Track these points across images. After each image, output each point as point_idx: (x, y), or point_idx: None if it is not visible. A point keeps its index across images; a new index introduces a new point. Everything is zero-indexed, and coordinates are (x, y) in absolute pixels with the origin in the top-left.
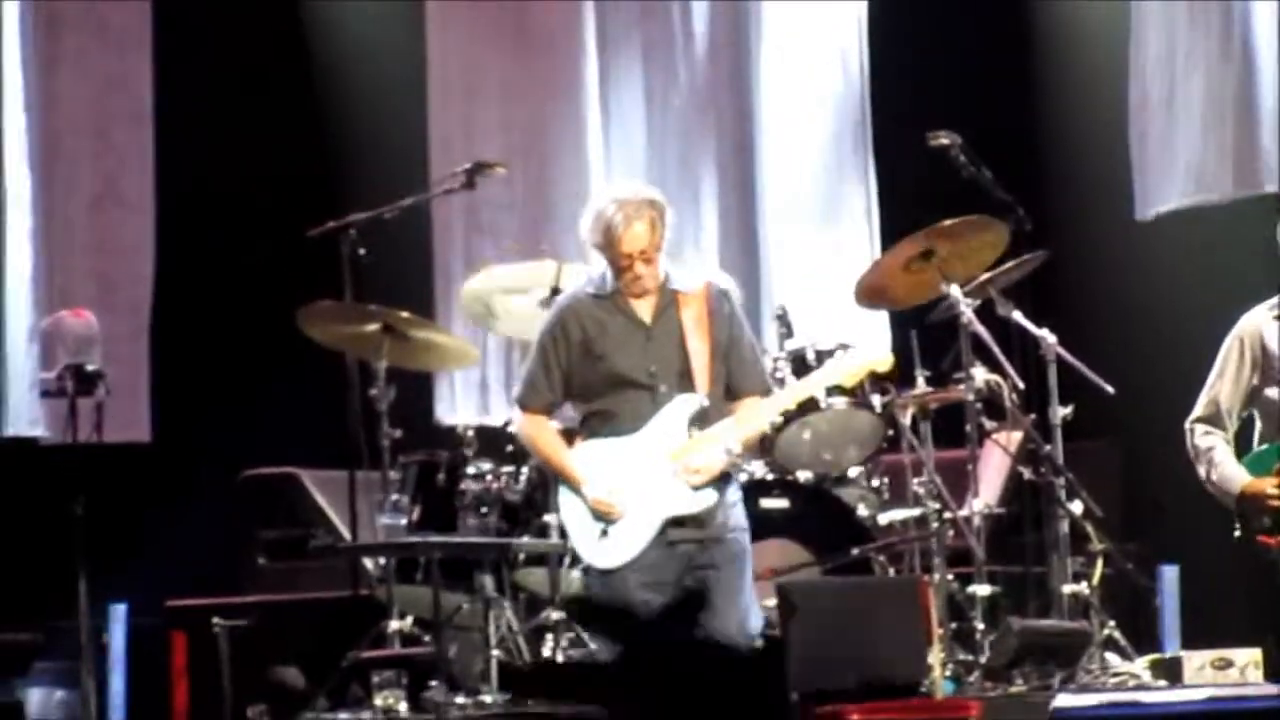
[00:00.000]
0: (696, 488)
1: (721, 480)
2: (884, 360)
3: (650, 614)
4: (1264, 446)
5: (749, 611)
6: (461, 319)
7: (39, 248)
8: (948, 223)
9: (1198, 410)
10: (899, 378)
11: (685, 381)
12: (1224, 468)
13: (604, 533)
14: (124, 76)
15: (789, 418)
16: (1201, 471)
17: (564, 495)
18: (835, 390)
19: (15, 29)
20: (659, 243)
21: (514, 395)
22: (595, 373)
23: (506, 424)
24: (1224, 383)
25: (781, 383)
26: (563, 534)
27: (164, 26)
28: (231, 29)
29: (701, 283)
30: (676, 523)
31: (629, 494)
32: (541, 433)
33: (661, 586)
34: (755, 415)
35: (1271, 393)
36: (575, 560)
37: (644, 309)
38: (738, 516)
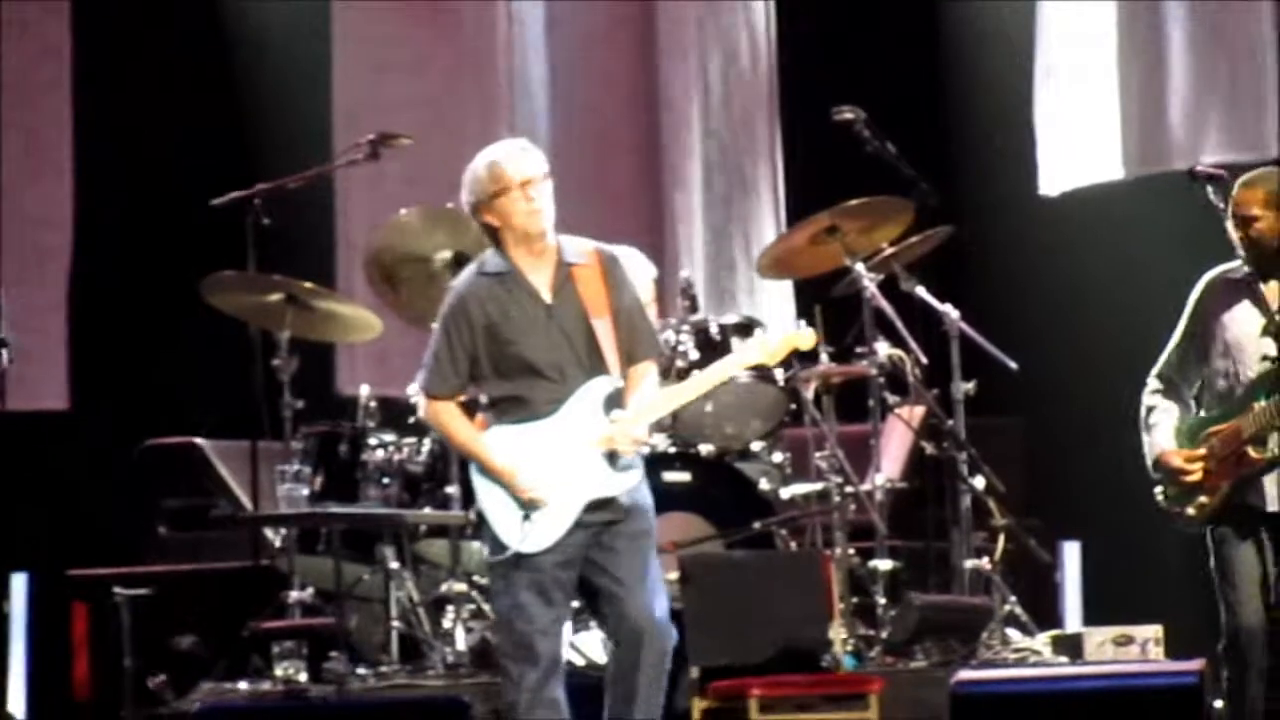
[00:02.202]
0: (624, 463)
1: (634, 460)
2: (806, 337)
3: (569, 595)
4: (1195, 416)
5: (655, 593)
6: (364, 289)
7: None
8: (853, 202)
9: (1156, 366)
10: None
11: (595, 358)
12: (1154, 431)
13: (527, 517)
14: (44, 45)
15: None
16: (1141, 431)
17: (480, 481)
18: None
19: None
20: (544, 173)
21: (419, 382)
22: (503, 356)
23: (408, 396)
24: (1177, 341)
25: (685, 356)
26: (465, 505)
27: None
28: None
29: (590, 251)
30: (594, 505)
31: (552, 479)
32: (454, 421)
33: (572, 564)
34: (678, 393)
35: (1217, 363)
36: (476, 533)
37: (542, 284)
38: (644, 494)
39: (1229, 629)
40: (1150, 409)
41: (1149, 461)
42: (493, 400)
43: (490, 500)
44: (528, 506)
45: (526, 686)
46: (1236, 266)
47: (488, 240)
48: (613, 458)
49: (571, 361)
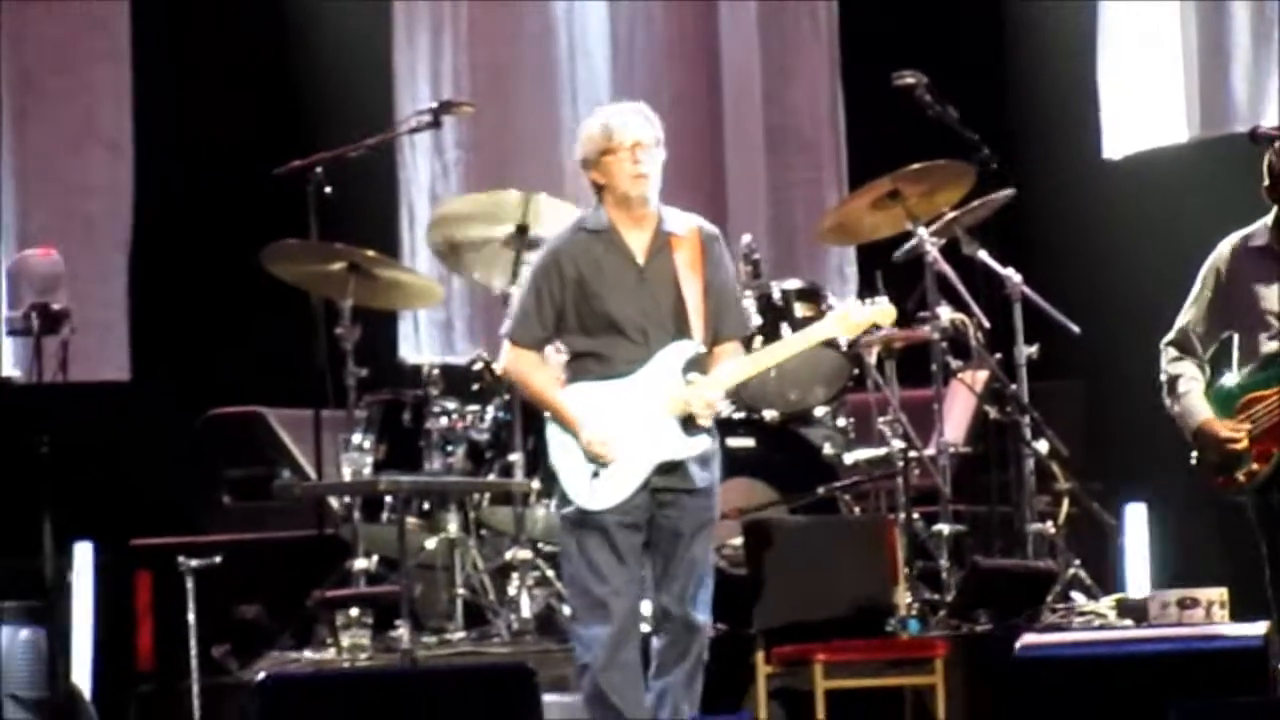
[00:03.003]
0: (697, 428)
1: (707, 428)
2: (888, 313)
3: (639, 559)
4: (1226, 382)
5: (704, 585)
6: (427, 258)
7: (17, 188)
8: (915, 166)
9: (1171, 334)
10: None
11: (680, 325)
12: (1186, 399)
13: (595, 474)
14: (101, 16)
15: None
16: (1166, 400)
17: (554, 434)
18: (800, 327)
19: None
20: (656, 140)
21: (502, 330)
22: (590, 312)
23: (472, 363)
24: (1197, 308)
25: None
26: (530, 472)
27: None
28: None
29: (693, 225)
30: (664, 468)
31: (623, 437)
32: (534, 370)
33: (639, 528)
34: (753, 360)
35: (1249, 330)
36: (541, 497)
37: (638, 247)
38: (714, 471)
39: None
40: (1176, 377)
41: (1188, 431)
42: (574, 355)
43: (561, 455)
44: (595, 460)
45: (601, 645)
46: (1257, 232)
47: (593, 198)
48: (686, 422)
49: (656, 325)
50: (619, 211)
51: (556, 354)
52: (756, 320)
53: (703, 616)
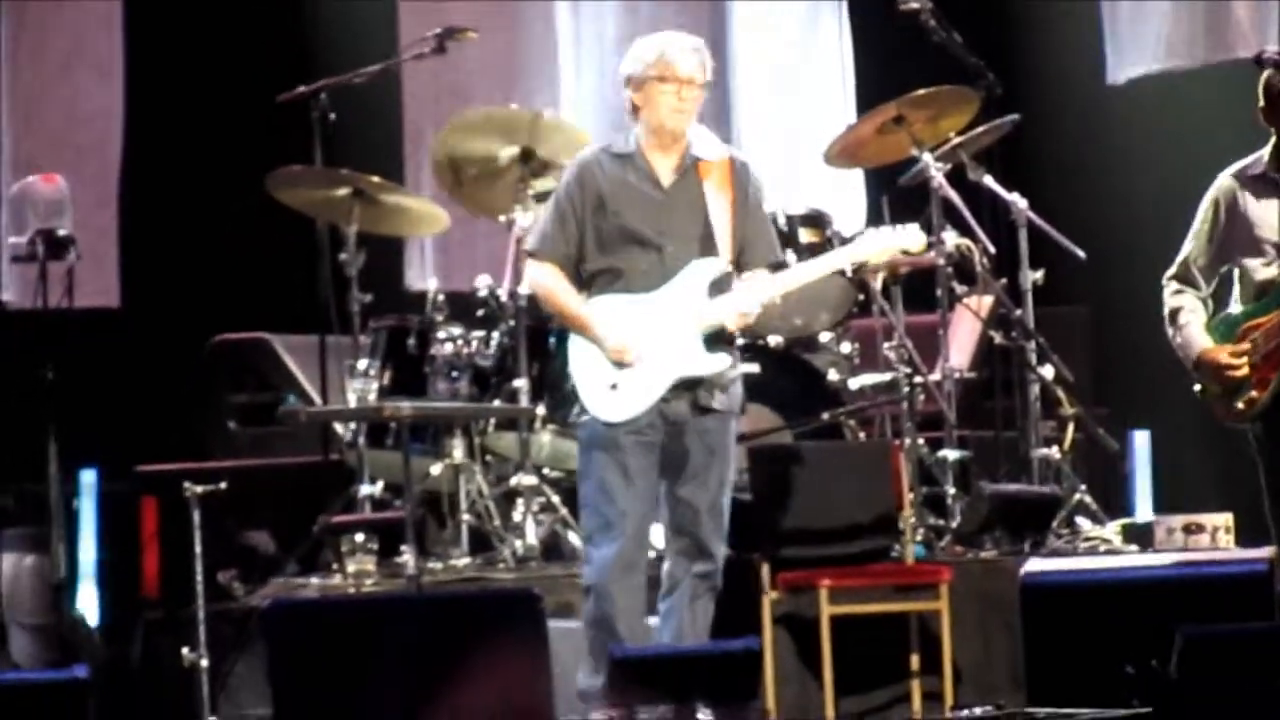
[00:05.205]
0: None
1: (729, 349)
2: (917, 241)
3: (652, 483)
4: (1229, 311)
5: (713, 513)
6: (430, 183)
7: (5, 113)
8: (920, 92)
9: (1172, 268)
10: None
11: (707, 245)
12: (1187, 330)
13: (614, 386)
14: None
15: None
16: (1169, 332)
17: (575, 345)
18: (805, 254)
19: None
20: (703, 83)
21: (526, 245)
22: (608, 228)
23: (476, 289)
24: (1198, 241)
25: None
26: (534, 398)
27: None
28: None
29: (725, 152)
30: (682, 386)
31: (644, 349)
32: (558, 281)
33: (651, 446)
34: (783, 279)
35: (1247, 260)
36: (546, 423)
37: (664, 171)
38: (733, 397)
39: None
40: (1177, 309)
41: (1188, 361)
42: (590, 274)
43: (581, 367)
44: (620, 365)
45: (606, 567)
46: (1255, 161)
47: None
48: (710, 339)
49: (676, 241)
50: (650, 139)
51: None
52: None
53: (715, 543)
